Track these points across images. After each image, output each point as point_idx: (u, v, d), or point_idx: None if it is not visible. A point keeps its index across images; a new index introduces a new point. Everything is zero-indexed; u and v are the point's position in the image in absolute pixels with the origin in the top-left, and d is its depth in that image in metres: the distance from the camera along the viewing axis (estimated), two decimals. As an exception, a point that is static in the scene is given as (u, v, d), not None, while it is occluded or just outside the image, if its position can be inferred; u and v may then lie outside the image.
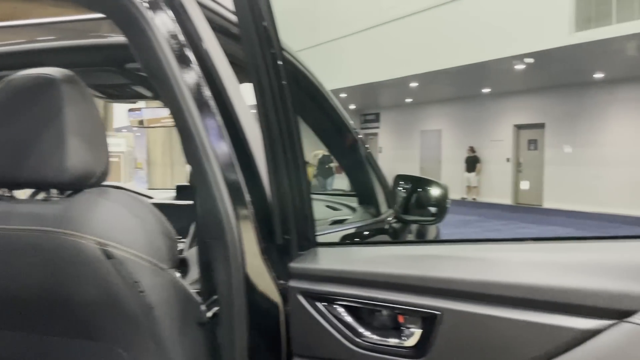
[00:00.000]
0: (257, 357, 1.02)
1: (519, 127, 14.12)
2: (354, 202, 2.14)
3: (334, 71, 13.89)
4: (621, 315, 0.66)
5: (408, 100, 16.73)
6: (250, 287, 1.01)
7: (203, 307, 1.12)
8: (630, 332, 0.65)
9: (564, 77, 11.83)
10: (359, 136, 1.97)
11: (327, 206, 2.25)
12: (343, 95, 15.76)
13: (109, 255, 0.96)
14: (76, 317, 1.01)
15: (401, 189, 2.00)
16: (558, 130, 12.98)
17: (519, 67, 10.81)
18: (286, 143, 0.98)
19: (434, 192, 1.93)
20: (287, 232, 0.99)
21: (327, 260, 0.91)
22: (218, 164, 0.99)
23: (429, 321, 0.79)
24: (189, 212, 1.20)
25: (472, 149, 14.82)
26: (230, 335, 1.02)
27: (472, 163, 14.79)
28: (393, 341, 0.83)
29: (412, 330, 0.81)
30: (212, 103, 1.00)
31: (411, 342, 0.81)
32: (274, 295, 0.98)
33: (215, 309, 1.07)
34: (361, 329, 0.86)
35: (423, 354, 0.79)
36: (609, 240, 0.73)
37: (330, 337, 0.87)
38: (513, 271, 0.75)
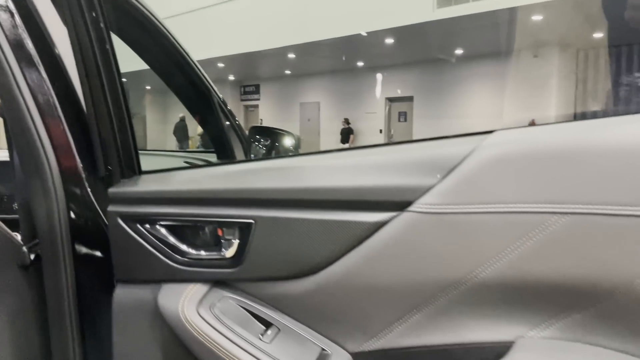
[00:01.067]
0: (87, 293, 0.99)
1: (391, 100, 14.87)
2: (213, 158, 2.13)
3: (211, 40, 13.47)
4: (402, 206, 0.75)
5: (287, 72, 16.79)
6: (74, 221, 0.97)
7: (24, 249, 1.06)
8: (410, 219, 0.74)
9: (429, 52, 12.63)
10: (216, 92, 1.95)
11: (185, 162, 2.23)
12: (221, 64, 15.37)
13: None
14: None
15: (256, 142, 2.03)
16: (425, 103, 13.88)
17: (389, 41, 11.33)
18: (104, 73, 0.94)
19: (287, 142, 1.98)
20: (110, 163, 0.96)
21: (149, 183, 0.91)
22: (31, 94, 0.93)
23: (244, 230, 0.82)
24: None
25: (346, 121, 15.33)
26: (55, 275, 0.98)
27: (346, 134, 15.32)
28: (214, 254, 0.86)
29: (231, 241, 0.84)
30: (18, 20, 0.93)
31: (230, 252, 0.84)
32: (101, 225, 0.95)
33: (40, 250, 1.02)
34: (183, 247, 0.87)
35: (241, 262, 0.83)
36: (395, 145, 0.82)
37: (153, 258, 0.87)
38: (315, 177, 0.81)
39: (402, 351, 0.79)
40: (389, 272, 0.76)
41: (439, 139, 0.78)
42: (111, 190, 0.90)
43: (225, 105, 2.02)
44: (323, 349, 0.82)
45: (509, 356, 0.71)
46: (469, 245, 0.72)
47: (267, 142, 2.08)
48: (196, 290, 0.85)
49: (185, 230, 0.88)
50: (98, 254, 0.96)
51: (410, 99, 14.25)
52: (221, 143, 2.04)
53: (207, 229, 0.87)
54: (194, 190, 0.86)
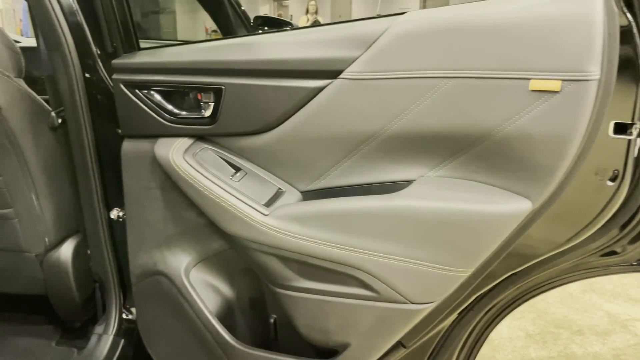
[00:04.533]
0: (103, 147, 1.24)
1: (426, -5, 14.25)
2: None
3: None
4: (335, 74, 0.94)
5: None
6: (89, 89, 1.20)
7: (53, 114, 1.31)
8: (341, 84, 0.94)
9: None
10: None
11: None
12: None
13: None
14: None
15: (261, 30, 2.19)
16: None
17: None
18: None
19: (288, 31, 2.14)
20: (114, 41, 1.16)
21: (144, 57, 1.11)
22: None
23: (217, 95, 1.04)
24: None
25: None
26: (78, 135, 1.23)
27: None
28: (196, 114, 1.08)
29: (208, 104, 1.06)
30: None
31: (208, 112, 1.06)
32: (110, 92, 1.18)
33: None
34: (173, 108, 1.09)
35: (216, 120, 1.06)
36: (332, 25, 0.98)
37: (149, 117, 1.10)
38: (271, 51, 1.00)
39: (336, 189, 1.03)
40: (326, 128, 0.97)
41: (365, 19, 0.94)
42: (114, 62, 1.11)
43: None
44: (279, 188, 1.07)
45: (408, 188, 0.94)
46: (384, 105, 0.92)
47: (270, 28, 2.25)
48: (183, 142, 1.09)
49: (173, 94, 1.10)
50: (109, 115, 1.19)
51: (445, -7, 13.63)
52: (226, 29, 2.22)
53: (190, 94, 1.09)
54: (177, 62, 1.06)
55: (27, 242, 1.35)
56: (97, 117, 1.21)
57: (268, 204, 1.03)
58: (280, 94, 0.99)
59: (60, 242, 1.40)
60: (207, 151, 1.09)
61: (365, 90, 0.92)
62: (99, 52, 1.17)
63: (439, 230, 0.88)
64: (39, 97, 1.32)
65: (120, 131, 1.16)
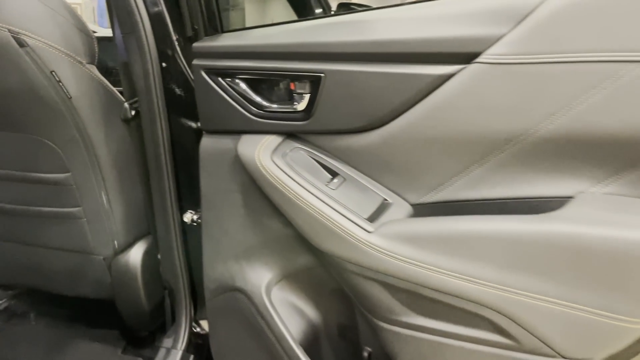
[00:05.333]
0: (178, 142, 1.10)
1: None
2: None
3: None
4: (470, 57, 0.73)
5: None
6: (166, 79, 1.06)
7: (126, 105, 1.18)
8: (478, 71, 0.73)
9: None
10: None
11: None
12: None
13: (21, 43, 0.99)
14: None
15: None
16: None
17: None
18: None
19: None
20: (195, 23, 1.02)
21: (229, 39, 0.96)
22: None
23: (314, 84, 0.86)
24: None
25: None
26: (152, 127, 1.09)
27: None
28: (287, 107, 0.91)
29: (302, 95, 0.88)
30: None
31: (302, 105, 0.89)
32: (189, 82, 1.03)
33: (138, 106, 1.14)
34: (260, 99, 0.93)
35: (311, 115, 0.88)
36: None
37: (232, 109, 0.94)
38: (383, 30, 0.81)
39: (459, 203, 0.82)
40: (453, 126, 0.77)
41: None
42: (195, 45, 0.96)
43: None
44: (385, 199, 0.88)
45: (567, 208, 0.72)
46: (537, 97, 0.70)
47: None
48: (271, 140, 0.92)
49: (261, 84, 0.93)
50: (187, 107, 1.05)
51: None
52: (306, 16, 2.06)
53: (281, 84, 0.92)
54: (269, 45, 0.89)
55: (96, 243, 1.24)
56: (173, 109, 1.07)
57: (372, 219, 0.85)
58: (394, 83, 0.79)
59: (129, 245, 1.28)
60: (299, 151, 0.91)
61: (511, 78, 0.71)
62: (177, 38, 1.03)
63: (616, 268, 0.66)
64: (111, 87, 1.20)
65: (198, 125, 1.02)
